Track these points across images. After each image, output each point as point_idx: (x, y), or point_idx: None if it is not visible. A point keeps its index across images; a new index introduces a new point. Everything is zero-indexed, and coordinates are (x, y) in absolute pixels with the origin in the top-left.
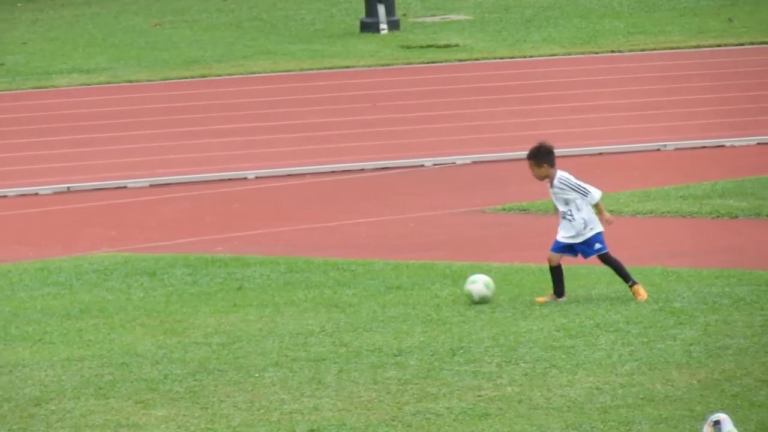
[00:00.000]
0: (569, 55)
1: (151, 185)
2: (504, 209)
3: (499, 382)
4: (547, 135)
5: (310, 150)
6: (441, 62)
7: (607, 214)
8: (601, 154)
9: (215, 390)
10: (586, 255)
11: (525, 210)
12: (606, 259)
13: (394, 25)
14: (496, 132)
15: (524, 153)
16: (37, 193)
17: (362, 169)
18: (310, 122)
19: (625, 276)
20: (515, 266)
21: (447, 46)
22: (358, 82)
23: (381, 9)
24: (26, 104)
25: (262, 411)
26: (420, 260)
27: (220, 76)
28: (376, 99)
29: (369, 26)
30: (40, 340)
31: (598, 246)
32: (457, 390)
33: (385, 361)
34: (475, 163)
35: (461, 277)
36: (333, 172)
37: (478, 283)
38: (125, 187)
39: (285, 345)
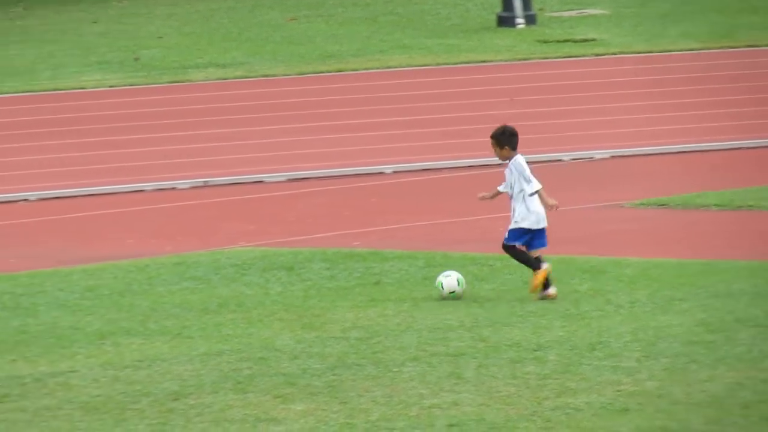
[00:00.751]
0: (706, 49)
1: (288, 180)
2: (642, 204)
3: (638, 377)
4: (686, 130)
5: (447, 144)
6: (578, 57)
7: (549, 200)
8: (740, 149)
9: (354, 385)
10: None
11: (664, 204)
12: (508, 250)
13: (530, 20)
14: (633, 127)
15: (663, 148)
16: (174, 188)
17: (500, 164)
18: (446, 117)
19: (530, 263)
20: (654, 261)
21: (584, 40)
22: (494, 77)
23: (518, 3)
24: (162, 99)
25: (401, 406)
26: (558, 255)
27: (356, 70)
28: (513, 94)
29: (505, 21)
30: (178, 335)
31: (506, 235)
32: (597, 385)
33: (524, 356)
34: (613, 157)
35: (600, 272)
36: (470, 166)
37: (452, 277)
38: (262, 182)
39: (423, 340)
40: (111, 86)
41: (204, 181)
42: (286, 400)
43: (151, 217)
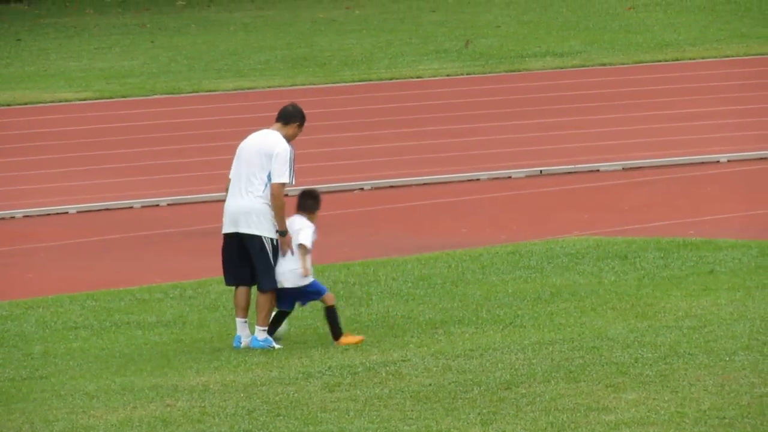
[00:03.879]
0: None
1: (623, 168)
2: None
3: None
4: None
5: None
6: None
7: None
8: None
9: (685, 374)
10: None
11: None
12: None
13: None
14: None
15: None
16: (509, 177)
17: None
18: None
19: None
20: None
21: None
22: None
23: None
24: (499, 87)
25: (732, 395)
26: None
27: (693, 59)
28: None
29: None
30: (510, 324)
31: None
32: None
33: None
34: None
35: None
36: None
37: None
38: (597, 171)
39: (756, 329)
40: (448, 75)
41: (539, 170)
42: (617, 389)
43: (486, 206)
